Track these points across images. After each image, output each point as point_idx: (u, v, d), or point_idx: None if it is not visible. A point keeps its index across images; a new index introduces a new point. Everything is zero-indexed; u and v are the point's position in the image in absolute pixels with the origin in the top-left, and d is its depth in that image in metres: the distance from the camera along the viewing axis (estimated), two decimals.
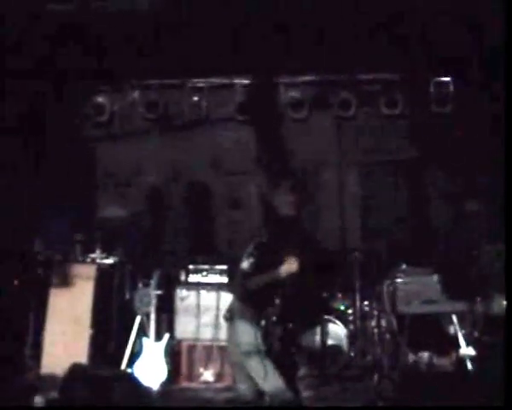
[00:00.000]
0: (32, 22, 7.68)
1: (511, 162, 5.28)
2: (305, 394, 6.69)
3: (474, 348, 6.95)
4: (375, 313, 7.65)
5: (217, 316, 7.39)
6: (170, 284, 7.71)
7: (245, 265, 5.85)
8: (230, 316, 5.92)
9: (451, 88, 8.83)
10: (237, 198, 9.42)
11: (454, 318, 7.15)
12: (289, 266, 5.61)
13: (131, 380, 6.41)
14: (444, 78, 8.87)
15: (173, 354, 7.38)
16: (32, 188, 8.43)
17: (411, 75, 8.91)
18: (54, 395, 6.39)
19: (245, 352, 5.67)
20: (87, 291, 7.33)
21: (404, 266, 7.56)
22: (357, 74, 9.12)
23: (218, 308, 7.43)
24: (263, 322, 5.76)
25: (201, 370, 7.42)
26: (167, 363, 7.14)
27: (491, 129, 7.93)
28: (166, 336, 7.28)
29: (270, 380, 5.60)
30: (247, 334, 5.67)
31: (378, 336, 7.56)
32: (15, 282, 7.62)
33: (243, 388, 5.83)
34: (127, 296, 7.81)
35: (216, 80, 9.29)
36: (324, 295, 7.92)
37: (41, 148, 8.83)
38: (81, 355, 7.01)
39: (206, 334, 7.47)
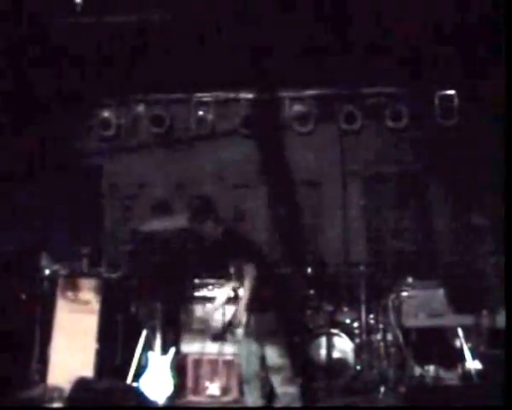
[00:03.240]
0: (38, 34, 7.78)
1: (511, 175, 5.29)
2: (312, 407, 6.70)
3: (480, 361, 6.95)
4: (381, 326, 7.62)
5: (222, 330, 7.39)
6: (176, 298, 7.71)
7: None
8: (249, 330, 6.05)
9: (456, 101, 8.86)
10: (242, 211, 9.42)
11: (460, 331, 7.15)
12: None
13: (137, 394, 6.42)
14: (448, 91, 8.90)
15: (179, 367, 7.36)
16: (38, 202, 8.45)
17: (416, 88, 8.93)
18: (60, 408, 6.43)
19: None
20: (93, 305, 7.34)
21: (409, 280, 7.56)
22: (361, 88, 9.15)
23: (223, 322, 7.43)
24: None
25: (207, 384, 7.40)
26: (173, 377, 7.13)
27: (495, 141, 7.93)
28: (172, 350, 7.27)
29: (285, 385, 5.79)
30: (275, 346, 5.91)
31: (384, 349, 7.53)
32: (22, 296, 7.65)
33: (251, 401, 5.99)
34: (133, 310, 7.81)
35: (221, 94, 9.34)
36: (330, 308, 7.92)
37: (47, 162, 8.85)
38: (87, 369, 7.01)
39: (212, 348, 7.46)
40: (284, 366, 6.00)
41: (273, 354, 5.96)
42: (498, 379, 5.78)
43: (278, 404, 6.01)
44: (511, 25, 5.63)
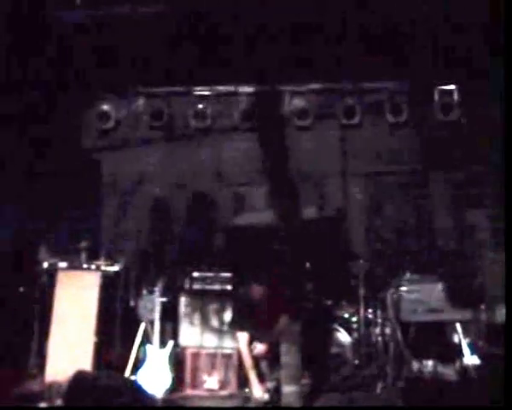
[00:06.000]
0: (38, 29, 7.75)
1: (511, 171, 5.29)
2: (309, 403, 6.70)
3: (478, 356, 6.96)
4: (380, 321, 7.64)
5: (221, 323, 7.41)
6: (174, 292, 7.72)
7: None
8: None
9: (456, 96, 8.83)
10: (242, 206, 9.42)
11: (458, 326, 7.15)
12: None
13: (136, 387, 6.41)
14: (448, 86, 8.87)
15: (177, 361, 7.37)
16: (37, 195, 8.45)
17: (416, 83, 8.91)
18: (58, 402, 6.42)
19: None
20: (91, 299, 7.33)
21: (408, 275, 7.57)
22: (361, 82, 9.12)
23: (221, 316, 7.44)
24: None
25: (205, 377, 7.41)
26: (171, 370, 7.14)
27: (495, 137, 7.92)
28: (170, 343, 7.28)
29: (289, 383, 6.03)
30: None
31: (382, 344, 7.54)
32: (20, 289, 7.65)
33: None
34: (131, 304, 7.81)
35: (221, 88, 9.30)
36: (329, 303, 7.93)
37: (46, 154, 8.83)
38: (85, 363, 7.00)
39: (211, 341, 7.47)
40: (288, 364, 6.04)
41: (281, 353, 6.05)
42: (497, 375, 5.81)
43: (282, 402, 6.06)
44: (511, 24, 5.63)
